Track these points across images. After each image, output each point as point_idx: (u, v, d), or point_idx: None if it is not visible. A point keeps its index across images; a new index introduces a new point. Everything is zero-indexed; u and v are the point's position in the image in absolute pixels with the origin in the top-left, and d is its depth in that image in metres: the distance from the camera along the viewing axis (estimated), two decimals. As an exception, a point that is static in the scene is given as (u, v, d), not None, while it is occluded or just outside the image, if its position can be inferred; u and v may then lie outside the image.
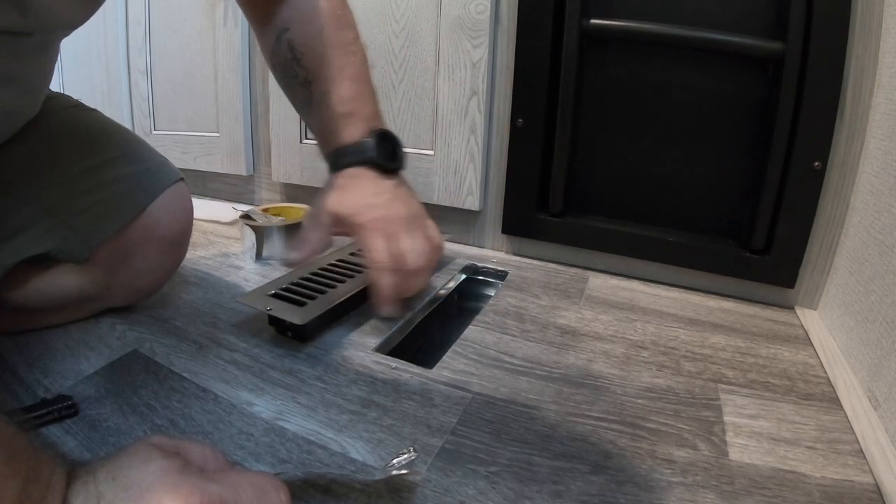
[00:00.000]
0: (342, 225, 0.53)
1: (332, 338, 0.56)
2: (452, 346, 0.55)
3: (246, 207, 0.94)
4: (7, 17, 0.38)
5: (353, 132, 0.54)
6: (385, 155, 0.54)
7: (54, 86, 0.57)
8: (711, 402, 0.48)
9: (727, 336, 0.61)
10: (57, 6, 0.42)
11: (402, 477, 0.36)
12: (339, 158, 0.54)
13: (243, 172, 1.05)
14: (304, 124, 0.94)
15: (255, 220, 0.79)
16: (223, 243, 0.86)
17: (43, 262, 0.52)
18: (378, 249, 0.51)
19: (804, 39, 0.61)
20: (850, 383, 0.50)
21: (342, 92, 0.54)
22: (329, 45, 0.54)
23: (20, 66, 0.45)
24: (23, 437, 0.26)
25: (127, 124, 1.15)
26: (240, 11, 0.68)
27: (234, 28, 0.97)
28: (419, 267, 0.52)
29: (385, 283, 0.51)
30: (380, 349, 0.55)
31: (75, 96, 0.61)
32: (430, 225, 0.56)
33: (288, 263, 0.57)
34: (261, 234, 0.77)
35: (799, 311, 0.69)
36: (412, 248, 0.52)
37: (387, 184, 0.54)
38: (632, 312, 0.66)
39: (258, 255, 0.78)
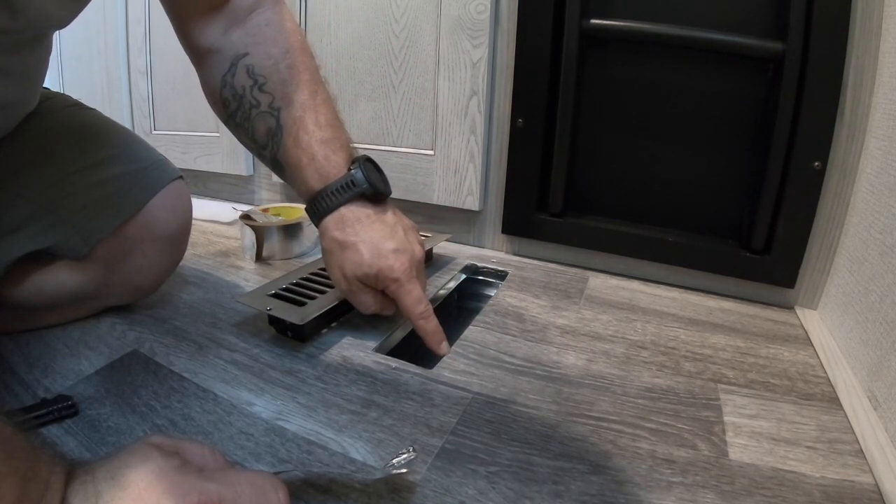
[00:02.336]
0: (371, 282, 0.51)
1: (332, 338, 0.56)
2: (452, 346, 0.55)
3: (246, 207, 0.95)
4: None
5: (337, 161, 0.51)
6: (376, 184, 0.51)
7: (54, 86, 0.57)
8: (711, 402, 0.48)
9: (727, 336, 0.61)
10: (46, 8, 0.42)
11: (402, 477, 0.36)
12: (330, 197, 0.50)
13: (243, 172, 1.05)
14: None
15: (255, 220, 0.79)
16: (223, 243, 0.86)
17: (42, 259, 0.52)
18: (420, 300, 0.51)
19: (804, 39, 0.61)
20: (850, 383, 0.50)
21: (319, 118, 0.51)
22: (294, 70, 0.51)
23: (14, 59, 0.45)
24: (21, 436, 0.26)
25: (127, 124, 1.15)
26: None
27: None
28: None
29: (433, 326, 0.52)
30: (380, 349, 0.55)
31: (75, 96, 0.61)
32: (417, 236, 0.55)
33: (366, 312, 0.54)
34: (261, 234, 0.77)
35: (799, 311, 0.69)
36: (424, 284, 0.53)
37: (388, 218, 0.52)
38: (632, 312, 0.66)
39: (258, 256, 0.78)
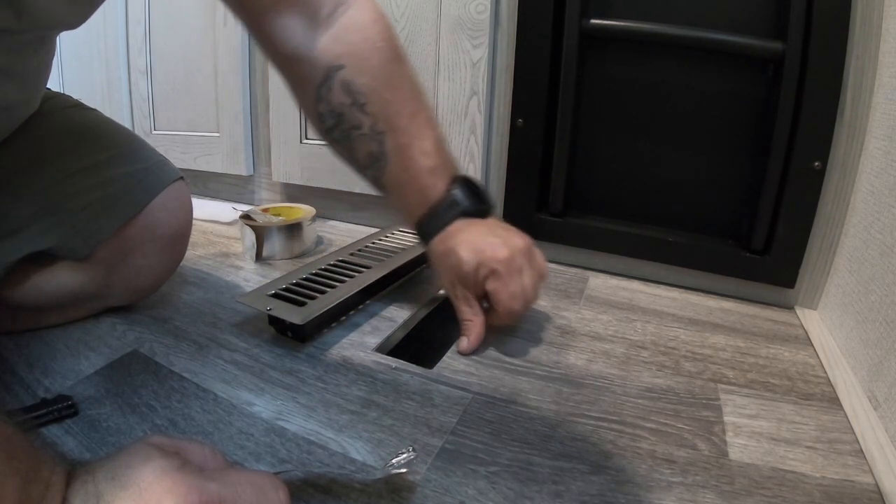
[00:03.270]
0: (472, 281, 0.51)
1: (332, 338, 0.56)
2: (452, 346, 0.55)
3: (246, 207, 0.94)
4: (2, 18, 0.38)
5: (440, 186, 0.51)
6: (477, 201, 0.52)
7: (54, 86, 0.57)
8: (711, 402, 0.48)
9: (727, 336, 0.61)
10: (52, 9, 0.42)
11: (402, 477, 0.36)
12: (435, 220, 0.51)
13: (243, 172, 1.05)
14: (305, 124, 0.94)
15: (255, 220, 0.79)
16: (223, 243, 0.86)
17: (43, 260, 0.52)
18: (515, 296, 0.50)
19: (804, 39, 0.61)
20: (850, 383, 0.50)
21: (425, 144, 0.50)
22: (395, 87, 0.49)
23: (17, 60, 0.45)
24: (22, 436, 0.26)
25: (127, 124, 1.15)
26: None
27: (235, 28, 0.97)
28: (530, 304, 0.52)
29: (500, 325, 0.54)
30: (380, 349, 0.55)
31: (75, 96, 0.61)
32: (538, 253, 0.54)
33: (464, 352, 0.54)
34: (261, 234, 0.77)
35: (799, 311, 0.69)
36: (531, 285, 0.51)
37: (492, 223, 0.53)
38: (632, 312, 0.66)
39: (258, 255, 0.78)
